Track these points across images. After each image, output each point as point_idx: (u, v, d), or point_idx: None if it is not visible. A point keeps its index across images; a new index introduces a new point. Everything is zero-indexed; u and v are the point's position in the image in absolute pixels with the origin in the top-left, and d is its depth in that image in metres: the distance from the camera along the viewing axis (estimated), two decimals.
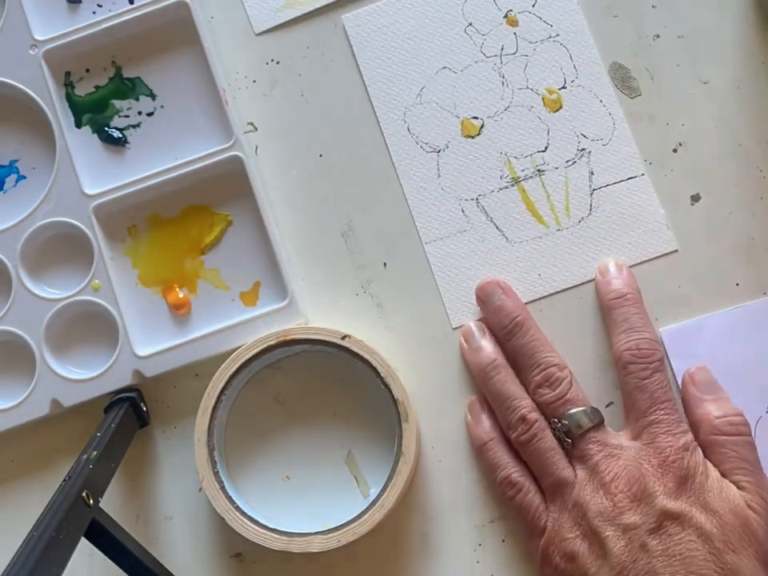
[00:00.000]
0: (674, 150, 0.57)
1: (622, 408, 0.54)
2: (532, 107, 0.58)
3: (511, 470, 0.53)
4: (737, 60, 0.58)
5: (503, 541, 0.55)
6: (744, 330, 0.55)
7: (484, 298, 0.56)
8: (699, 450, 0.51)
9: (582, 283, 0.56)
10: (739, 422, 0.51)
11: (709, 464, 0.51)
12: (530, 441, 0.52)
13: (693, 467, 0.50)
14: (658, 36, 0.58)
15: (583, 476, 0.50)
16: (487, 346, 0.55)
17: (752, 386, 0.54)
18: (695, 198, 0.57)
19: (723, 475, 0.51)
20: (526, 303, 0.56)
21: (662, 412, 0.51)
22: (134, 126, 0.59)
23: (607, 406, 0.55)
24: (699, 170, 0.57)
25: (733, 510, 0.49)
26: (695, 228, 0.56)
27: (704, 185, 0.57)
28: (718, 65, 0.58)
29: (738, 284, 0.56)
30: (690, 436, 0.51)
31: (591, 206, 0.57)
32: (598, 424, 0.52)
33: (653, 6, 0.58)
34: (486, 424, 0.55)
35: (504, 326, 0.54)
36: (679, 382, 0.54)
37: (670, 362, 0.55)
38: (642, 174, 0.57)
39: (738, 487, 0.50)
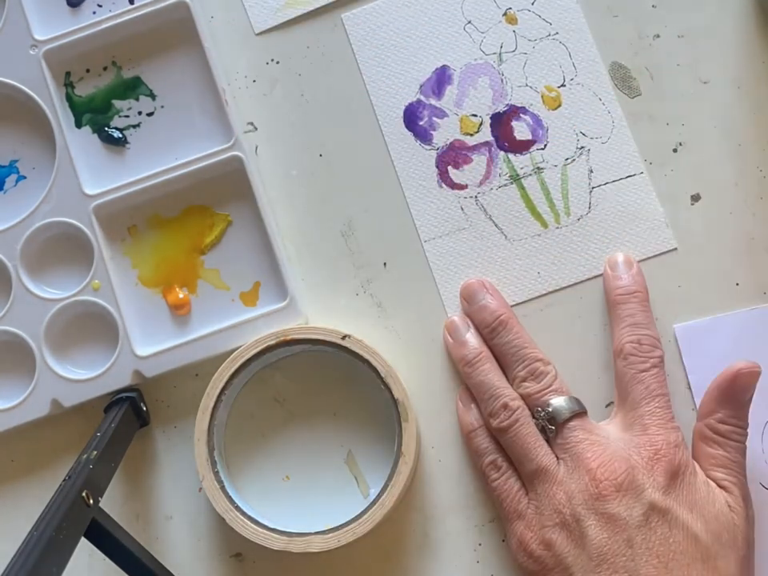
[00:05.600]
0: (674, 150, 0.57)
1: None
2: (531, 105, 0.58)
3: (496, 454, 0.53)
4: (737, 60, 0.58)
5: (503, 541, 0.55)
6: (759, 332, 0.54)
7: (468, 297, 0.56)
8: (688, 450, 0.51)
9: (582, 281, 0.56)
10: (743, 434, 0.51)
11: (696, 464, 0.51)
12: (512, 426, 0.51)
13: (683, 464, 0.50)
14: (658, 36, 0.58)
15: (567, 463, 0.50)
16: (472, 340, 0.55)
17: (763, 390, 0.53)
18: (695, 198, 0.57)
19: (708, 469, 0.51)
20: (525, 301, 0.57)
21: (656, 404, 0.51)
22: (134, 126, 0.59)
23: (607, 405, 0.55)
24: (699, 170, 0.57)
25: (718, 514, 0.49)
26: (695, 228, 0.56)
27: (704, 185, 0.57)
28: (718, 65, 0.58)
29: (737, 284, 0.56)
30: (681, 434, 0.51)
31: (590, 203, 0.57)
32: (582, 413, 0.52)
33: (653, 6, 0.58)
34: (476, 411, 0.55)
35: (488, 324, 0.54)
36: (689, 379, 0.54)
37: (682, 359, 0.55)
38: (641, 173, 0.57)
39: (721, 486, 0.50)
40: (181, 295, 0.58)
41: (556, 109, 0.58)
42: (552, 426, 0.51)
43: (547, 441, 0.51)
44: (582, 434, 0.51)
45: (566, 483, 0.50)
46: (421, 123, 0.59)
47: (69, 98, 0.60)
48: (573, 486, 0.49)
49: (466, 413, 0.55)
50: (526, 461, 0.51)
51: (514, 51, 0.59)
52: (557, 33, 0.58)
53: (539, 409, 0.52)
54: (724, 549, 0.48)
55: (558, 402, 0.51)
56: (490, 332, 0.54)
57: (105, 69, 0.60)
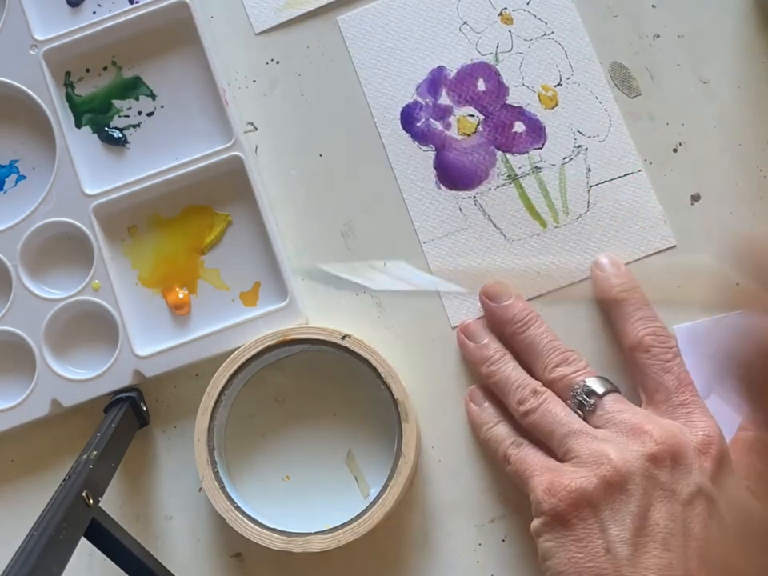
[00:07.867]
0: (674, 150, 0.57)
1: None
2: (528, 104, 0.58)
3: (515, 437, 0.52)
4: (737, 60, 0.58)
5: (503, 541, 0.55)
6: None
7: (492, 296, 0.55)
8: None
9: (582, 281, 0.56)
10: None
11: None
12: (541, 404, 0.51)
13: (726, 455, 0.49)
14: (658, 36, 0.58)
15: (609, 429, 0.49)
16: (494, 341, 0.55)
17: None
18: (695, 198, 0.57)
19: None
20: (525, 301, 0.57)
21: (691, 393, 0.51)
22: (134, 126, 0.60)
23: None
24: (699, 170, 0.57)
25: (749, 511, 0.48)
26: (695, 228, 0.56)
27: (704, 185, 0.57)
28: (718, 65, 0.58)
29: (738, 283, 0.55)
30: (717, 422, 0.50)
31: (589, 202, 0.57)
32: (617, 391, 0.51)
33: (653, 6, 0.58)
34: (491, 409, 0.54)
35: (520, 319, 0.54)
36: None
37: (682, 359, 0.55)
38: (639, 171, 0.57)
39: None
40: (181, 295, 0.58)
41: (553, 108, 0.58)
42: (591, 400, 0.50)
43: (583, 419, 0.50)
44: (624, 405, 0.50)
45: (610, 441, 0.48)
46: (418, 124, 0.58)
47: (69, 98, 0.60)
48: (619, 441, 0.47)
49: (481, 412, 0.55)
50: (558, 426, 0.49)
51: (510, 51, 0.59)
52: (552, 32, 0.58)
53: (576, 386, 0.51)
54: (755, 547, 0.47)
55: (593, 380, 0.51)
56: (521, 326, 0.54)
57: (105, 69, 0.60)
